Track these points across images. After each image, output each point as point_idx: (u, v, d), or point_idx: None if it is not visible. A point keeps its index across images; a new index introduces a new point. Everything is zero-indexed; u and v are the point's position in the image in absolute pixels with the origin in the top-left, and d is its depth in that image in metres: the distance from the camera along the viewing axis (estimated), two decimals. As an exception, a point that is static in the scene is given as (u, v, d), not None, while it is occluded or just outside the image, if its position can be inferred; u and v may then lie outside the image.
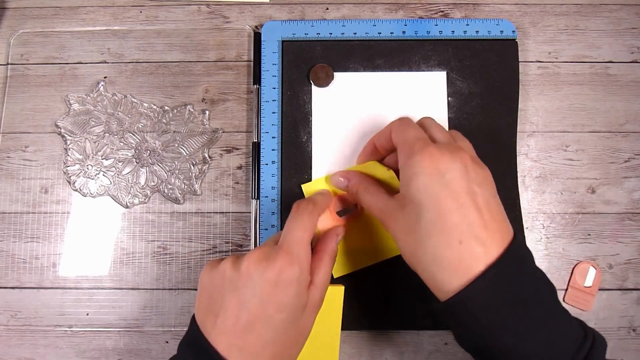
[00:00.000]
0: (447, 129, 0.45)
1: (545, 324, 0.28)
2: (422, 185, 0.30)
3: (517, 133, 0.45)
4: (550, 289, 0.30)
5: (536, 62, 0.47)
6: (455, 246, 0.29)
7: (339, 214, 0.43)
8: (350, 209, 0.43)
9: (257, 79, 0.45)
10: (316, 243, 0.36)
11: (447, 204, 0.30)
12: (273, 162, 0.44)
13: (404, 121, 0.36)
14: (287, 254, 0.31)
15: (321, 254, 0.34)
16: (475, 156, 0.34)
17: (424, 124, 0.36)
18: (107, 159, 0.45)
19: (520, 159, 0.45)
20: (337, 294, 0.38)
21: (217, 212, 0.45)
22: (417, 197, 0.30)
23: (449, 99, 0.45)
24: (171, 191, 0.45)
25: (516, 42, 0.46)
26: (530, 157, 0.45)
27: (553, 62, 0.47)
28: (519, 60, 0.46)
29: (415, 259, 0.31)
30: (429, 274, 0.31)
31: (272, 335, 0.30)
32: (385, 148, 0.38)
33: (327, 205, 0.39)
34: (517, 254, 0.30)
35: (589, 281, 0.44)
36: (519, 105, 0.45)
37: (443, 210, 0.30)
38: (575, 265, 0.44)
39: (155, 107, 0.46)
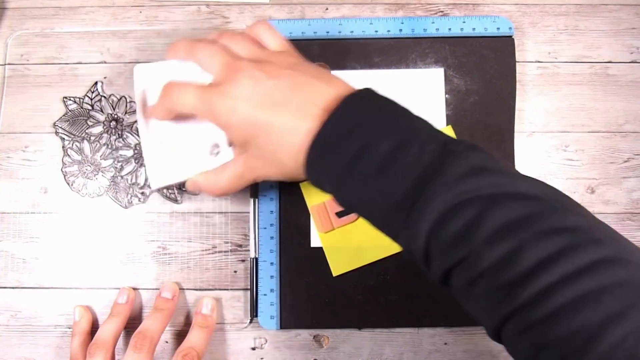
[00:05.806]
0: (445, 125, 0.45)
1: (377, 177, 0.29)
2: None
3: (516, 132, 0.45)
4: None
5: (535, 62, 0.47)
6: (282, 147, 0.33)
7: (339, 214, 0.43)
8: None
9: (256, 79, 0.45)
10: None
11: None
12: (272, 162, 0.44)
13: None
14: None
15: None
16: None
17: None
18: (105, 160, 0.45)
19: (519, 159, 0.45)
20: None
21: (216, 212, 0.45)
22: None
23: (447, 96, 0.45)
24: (170, 191, 0.45)
25: (513, 38, 0.46)
26: (529, 157, 0.45)
27: (552, 62, 0.47)
28: (519, 60, 0.46)
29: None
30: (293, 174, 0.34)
31: None
32: None
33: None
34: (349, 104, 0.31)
35: (588, 281, 0.44)
36: (519, 105, 0.45)
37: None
38: (574, 265, 0.44)
39: (154, 107, 0.46)
